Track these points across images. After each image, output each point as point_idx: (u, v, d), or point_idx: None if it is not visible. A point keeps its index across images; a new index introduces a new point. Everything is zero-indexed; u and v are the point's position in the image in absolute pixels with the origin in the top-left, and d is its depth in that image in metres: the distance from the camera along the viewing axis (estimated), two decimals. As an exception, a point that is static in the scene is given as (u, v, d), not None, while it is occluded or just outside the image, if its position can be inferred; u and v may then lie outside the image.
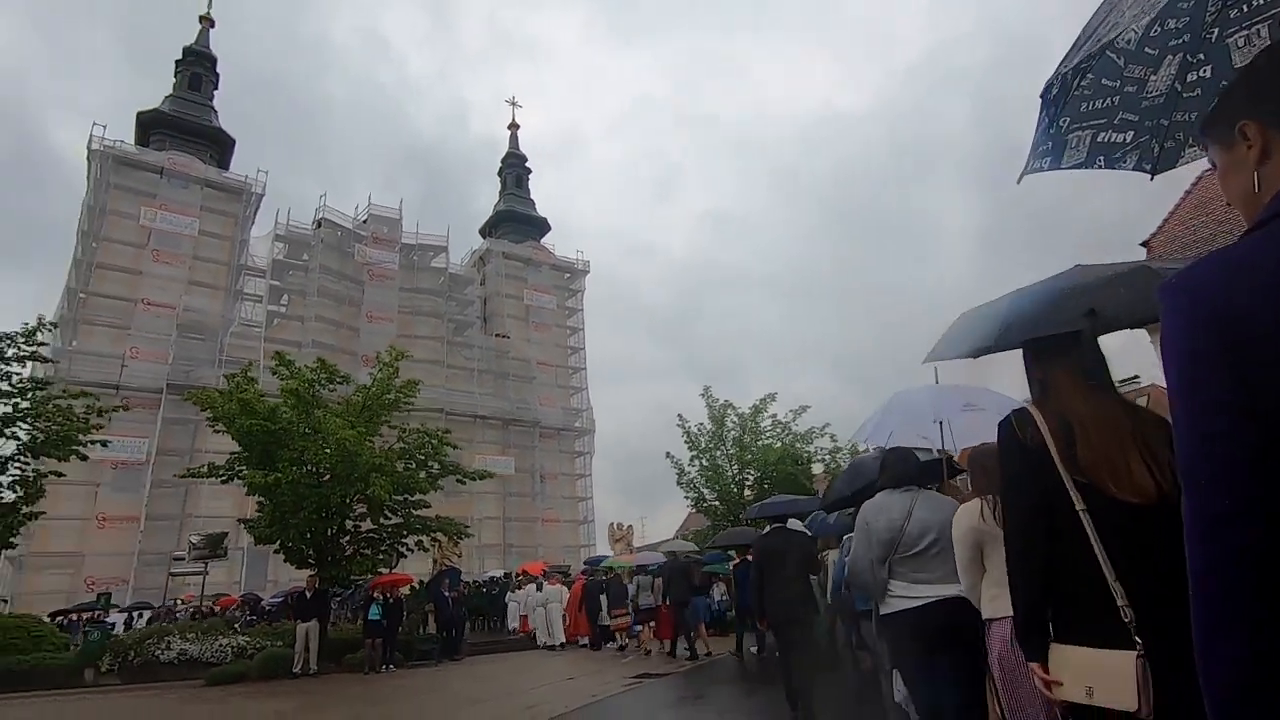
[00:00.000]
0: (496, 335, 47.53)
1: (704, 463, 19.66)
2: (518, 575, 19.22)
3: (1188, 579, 0.87)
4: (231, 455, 13.48)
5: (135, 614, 22.96)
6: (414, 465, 14.10)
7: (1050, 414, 1.61)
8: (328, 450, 12.74)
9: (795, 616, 5.47)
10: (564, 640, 14.08)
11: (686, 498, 19.66)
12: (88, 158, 38.05)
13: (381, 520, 14.13)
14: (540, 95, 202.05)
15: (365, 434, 13.27)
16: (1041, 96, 1.94)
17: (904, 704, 3.72)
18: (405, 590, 14.91)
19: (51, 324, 14.39)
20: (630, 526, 20.20)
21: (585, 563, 20.37)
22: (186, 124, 42.83)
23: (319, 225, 42.60)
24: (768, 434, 19.75)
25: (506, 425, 45.19)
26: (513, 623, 16.52)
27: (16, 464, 14.13)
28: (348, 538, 13.73)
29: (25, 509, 14.27)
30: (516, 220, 53.36)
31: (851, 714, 5.79)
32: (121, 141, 39.63)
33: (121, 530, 33.08)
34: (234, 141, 45.49)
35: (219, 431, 13.23)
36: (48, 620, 17.20)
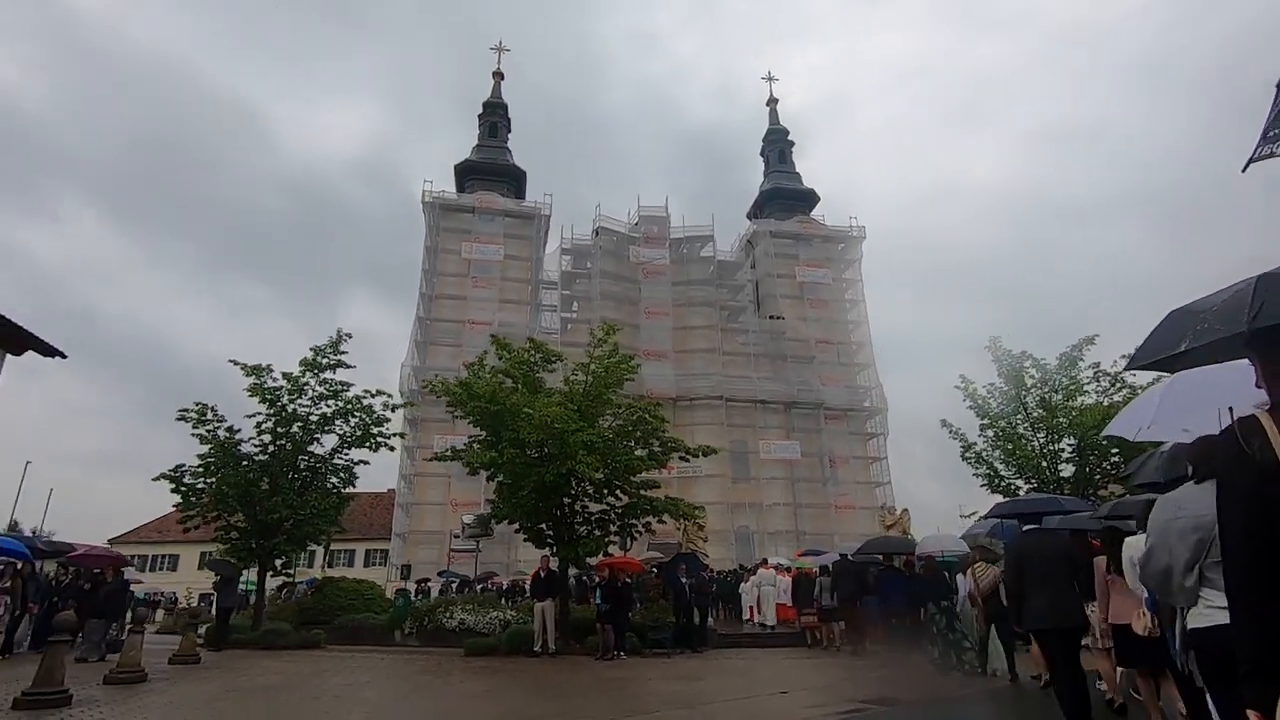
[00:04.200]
0: (770, 317, 46.02)
1: (996, 432, 15.62)
2: (758, 565, 17.47)
3: None
4: (470, 439, 14.36)
5: (483, 584, 26.86)
6: (632, 443, 13.43)
7: None
8: (553, 429, 12.62)
9: (1060, 625, 4.95)
10: (774, 623, 14.37)
11: (975, 475, 15.82)
12: (423, 209, 46.40)
13: (611, 500, 13.76)
14: (806, 58, 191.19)
15: (583, 412, 12.99)
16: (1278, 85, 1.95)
17: None
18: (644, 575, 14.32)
19: (347, 334, 16.95)
20: (905, 511, 17.00)
21: (800, 555, 17.80)
22: (488, 166, 49.85)
23: (596, 234, 45.96)
24: (1088, 389, 14.93)
25: (788, 408, 43.38)
26: (745, 613, 15.13)
27: (339, 456, 16.97)
28: (579, 518, 13.61)
29: (345, 490, 17.04)
30: (782, 197, 51.26)
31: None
32: (445, 191, 47.71)
33: (469, 512, 39.30)
34: (525, 173, 51.56)
35: (459, 417, 14.16)
36: (379, 586, 20.63)
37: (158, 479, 15.27)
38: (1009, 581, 5.89)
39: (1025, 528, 6.23)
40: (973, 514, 15.11)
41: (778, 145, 54.37)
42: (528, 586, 15.33)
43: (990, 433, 15.87)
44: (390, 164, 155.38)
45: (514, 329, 44.12)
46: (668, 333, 44.28)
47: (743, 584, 16.23)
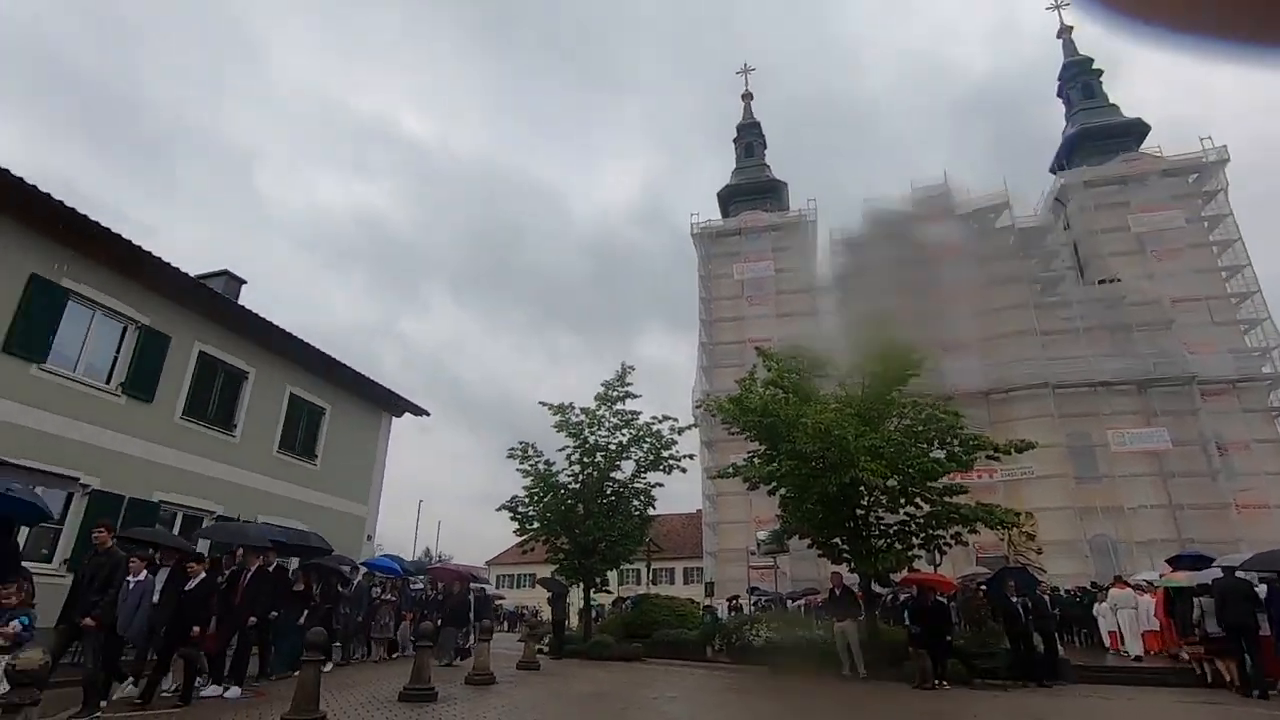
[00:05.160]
0: (1100, 282, 38.28)
1: None
2: (1111, 584, 13.94)
3: None
4: (749, 454, 14.22)
5: (799, 601, 26.59)
6: (925, 445, 11.98)
7: None
8: (832, 435, 11.93)
9: None
10: (1140, 654, 12.12)
11: None
12: (693, 240, 48.72)
13: (910, 510, 12.44)
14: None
15: (863, 415, 12.06)
16: None
17: None
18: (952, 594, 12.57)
19: (631, 367, 18.32)
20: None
21: (1167, 561, 13.36)
22: (749, 186, 50.68)
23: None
24: None
25: (1143, 388, 35.27)
26: (1105, 640, 12.12)
27: (637, 480, 18.24)
28: (874, 530, 12.52)
29: (647, 513, 18.18)
30: (1096, 138, 42.73)
31: None
32: (710, 220, 49.58)
33: (766, 529, 39.29)
34: (785, 185, 51.14)
35: (735, 433, 14.15)
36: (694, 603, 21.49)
37: (499, 509, 18.05)
38: None
39: None
40: None
41: (1080, 79, 45.73)
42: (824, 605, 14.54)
43: None
44: (663, 202, 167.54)
45: (794, 340, 43.68)
46: (968, 320, 39.45)
47: (1097, 605, 13.26)
